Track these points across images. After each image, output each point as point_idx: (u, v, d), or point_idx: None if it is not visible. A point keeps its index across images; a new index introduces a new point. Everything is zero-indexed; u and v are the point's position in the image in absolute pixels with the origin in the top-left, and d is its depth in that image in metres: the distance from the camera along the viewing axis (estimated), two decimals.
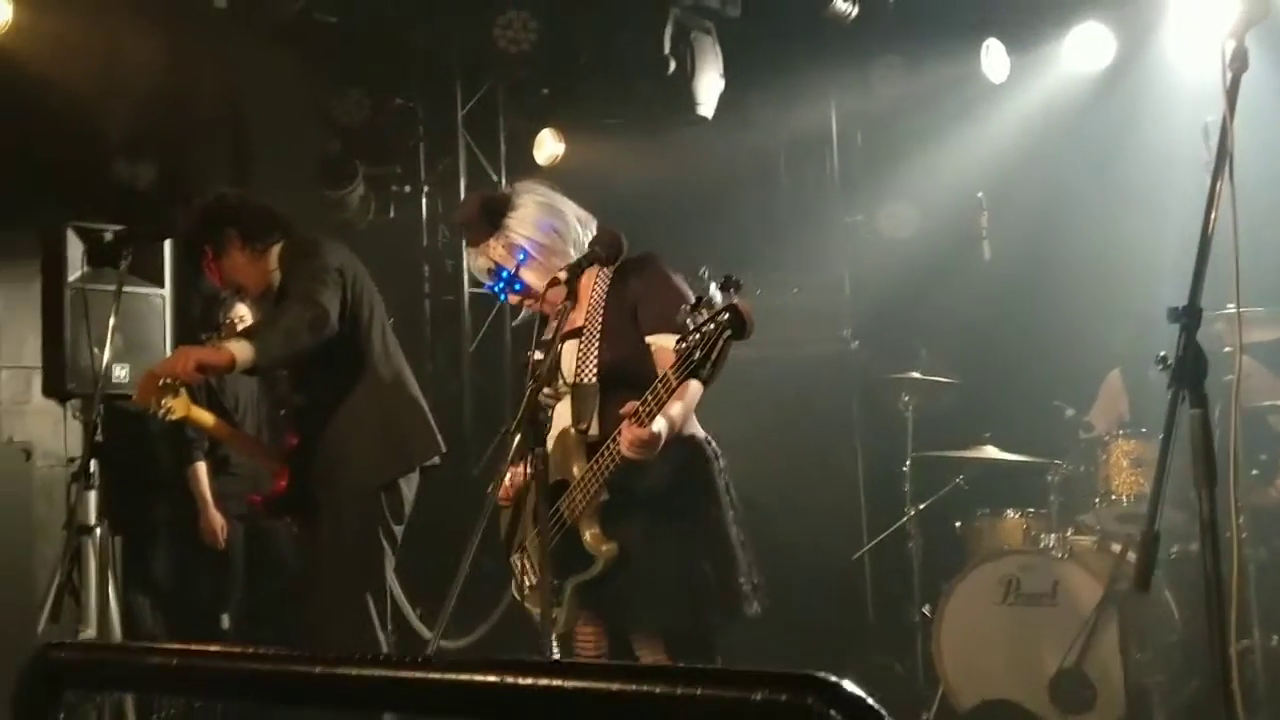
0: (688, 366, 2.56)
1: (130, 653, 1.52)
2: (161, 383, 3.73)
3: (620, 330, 3.03)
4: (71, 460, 4.86)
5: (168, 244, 5.16)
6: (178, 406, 3.81)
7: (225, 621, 5.59)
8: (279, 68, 6.55)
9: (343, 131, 6.68)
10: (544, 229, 3.16)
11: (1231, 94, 2.18)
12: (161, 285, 5.23)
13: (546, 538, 2.74)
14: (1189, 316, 1.97)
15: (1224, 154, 2.12)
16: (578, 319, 3.11)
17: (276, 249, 4.02)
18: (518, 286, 3.13)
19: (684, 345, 2.56)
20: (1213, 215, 2.04)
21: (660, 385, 2.70)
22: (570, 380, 3.06)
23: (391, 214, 7.14)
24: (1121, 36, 6.06)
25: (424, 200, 7.22)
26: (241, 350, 3.55)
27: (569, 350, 3.09)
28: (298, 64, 6.60)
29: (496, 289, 3.18)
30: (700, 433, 3.13)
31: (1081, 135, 6.11)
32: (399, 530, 3.96)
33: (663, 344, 2.92)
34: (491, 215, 3.18)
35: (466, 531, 2.80)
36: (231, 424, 4.96)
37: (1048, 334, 5.78)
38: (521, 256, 3.12)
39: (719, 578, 2.97)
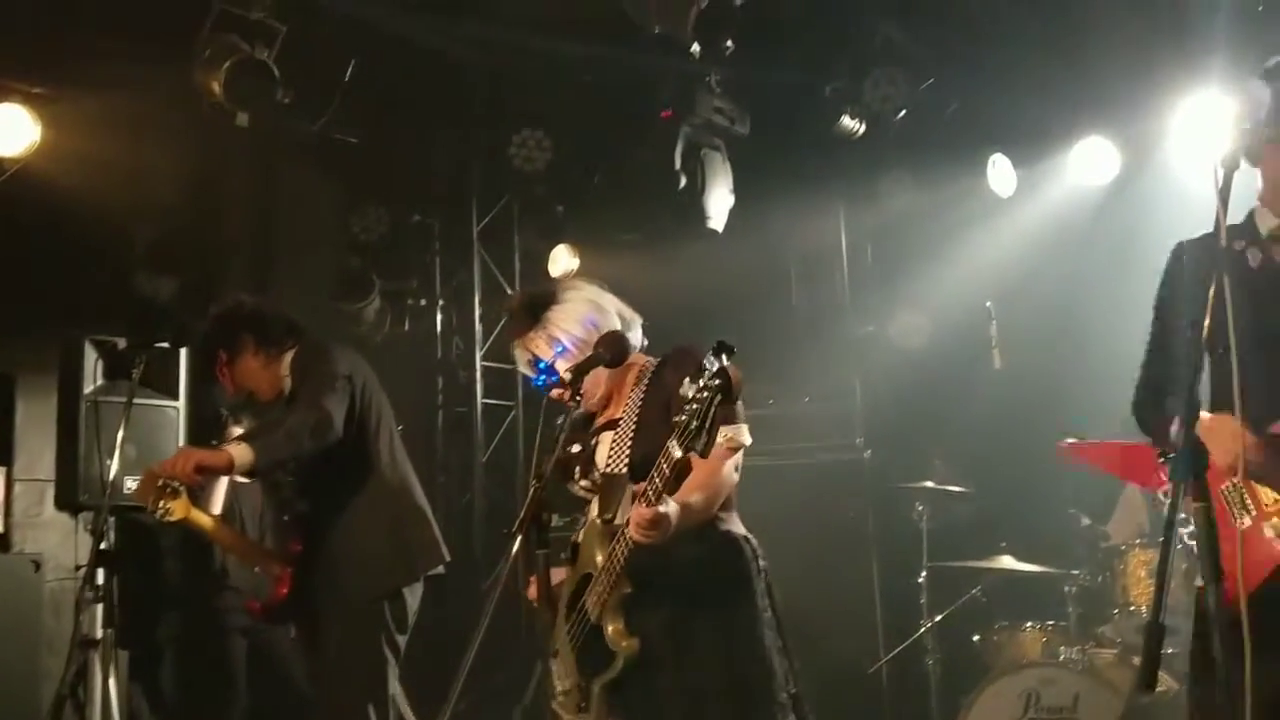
0: (686, 437, 2.54)
1: None
2: (161, 483, 3.74)
3: (654, 423, 2.96)
4: (79, 568, 4.84)
5: (183, 356, 5.24)
6: (176, 508, 3.81)
7: None
8: (299, 184, 6.73)
9: (361, 246, 6.82)
10: (585, 324, 3.17)
11: (1224, 193, 2.22)
12: (176, 397, 5.29)
13: (549, 637, 2.68)
14: (1188, 410, 1.97)
15: (1218, 251, 2.15)
16: (615, 412, 3.11)
17: (289, 356, 4.06)
18: (554, 378, 3.11)
19: (683, 418, 2.54)
20: (1206, 319, 2.06)
21: (662, 459, 2.66)
22: (601, 470, 3.04)
23: (407, 327, 7.24)
24: (1126, 151, 6.16)
25: (439, 313, 7.32)
26: (241, 453, 3.57)
27: (605, 441, 3.08)
28: (318, 180, 6.78)
29: (537, 382, 3.16)
30: (739, 529, 3.07)
31: (1089, 247, 6.16)
32: (402, 640, 3.92)
33: None
34: (535, 308, 3.20)
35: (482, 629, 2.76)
36: (233, 528, 4.94)
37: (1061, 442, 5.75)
38: (559, 349, 3.13)
39: (755, 684, 2.88)
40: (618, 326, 3.18)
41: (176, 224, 6.08)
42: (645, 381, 3.10)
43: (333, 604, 3.90)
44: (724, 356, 2.51)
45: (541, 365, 3.15)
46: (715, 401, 2.48)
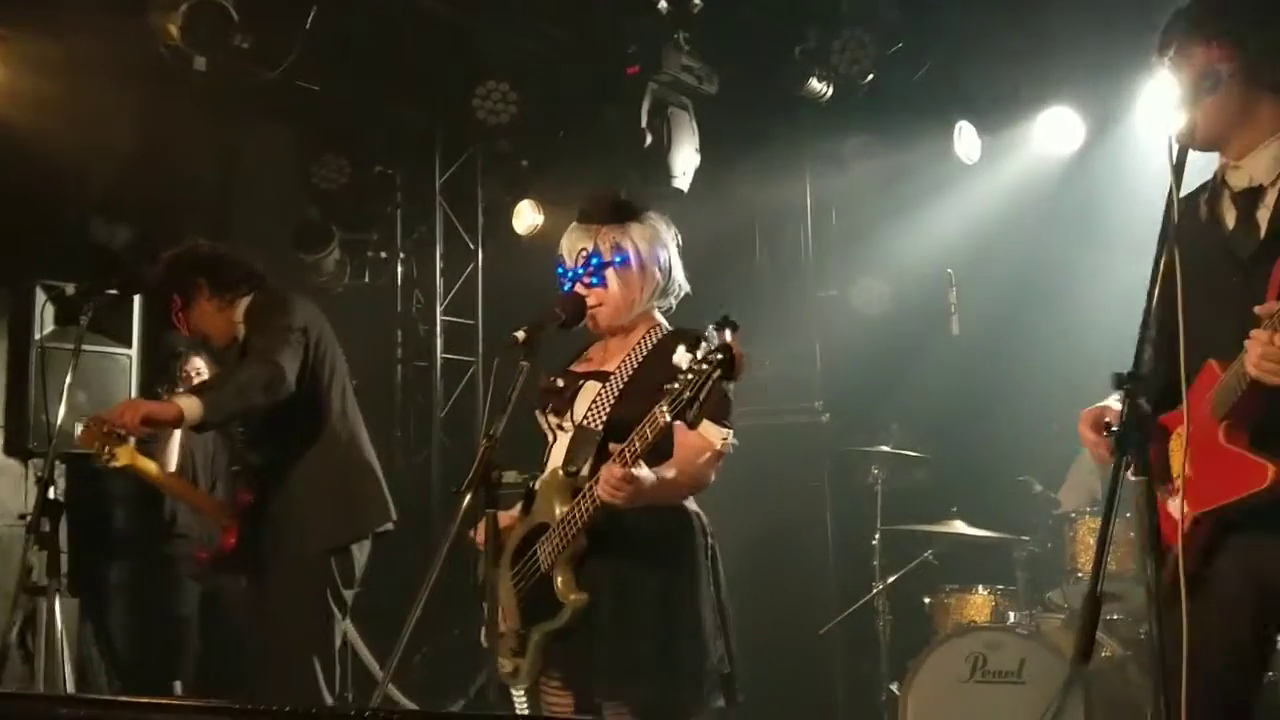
0: (677, 405, 2.52)
1: (40, 702, 1.49)
2: (106, 429, 3.71)
3: (644, 390, 2.91)
4: (22, 516, 4.79)
5: (136, 303, 5.18)
6: (121, 454, 3.79)
7: (178, 687, 5.49)
8: (260, 132, 6.62)
9: (321, 196, 6.74)
10: (655, 252, 3.08)
11: (1178, 168, 2.22)
12: (129, 345, 5.25)
13: (493, 589, 2.68)
14: (1132, 382, 1.98)
15: (1170, 226, 2.15)
16: (609, 364, 3.07)
17: (245, 302, 4.02)
18: (595, 281, 3.04)
19: (677, 384, 2.52)
20: (1156, 285, 2.06)
21: (647, 424, 2.64)
22: (576, 421, 3.00)
23: (366, 278, 7.17)
24: (1090, 120, 6.17)
25: (399, 266, 7.26)
26: (190, 406, 3.54)
27: (588, 391, 3.04)
28: (278, 129, 6.67)
29: (574, 273, 3.06)
30: (693, 506, 3.05)
31: (1052, 215, 6.18)
32: (349, 594, 3.92)
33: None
34: (621, 209, 3.10)
35: (432, 599, 2.76)
36: (181, 477, 4.91)
37: (1018, 410, 5.80)
38: (620, 258, 3.04)
39: (688, 660, 2.89)
40: (668, 282, 3.11)
41: (133, 170, 5.97)
42: (650, 346, 3.05)
43: (279, 556, 3.89)
44: (728, 331, 2.49)
45: (594, 260, 3.04)
46: (714, 375, 2.46)
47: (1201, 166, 2.60)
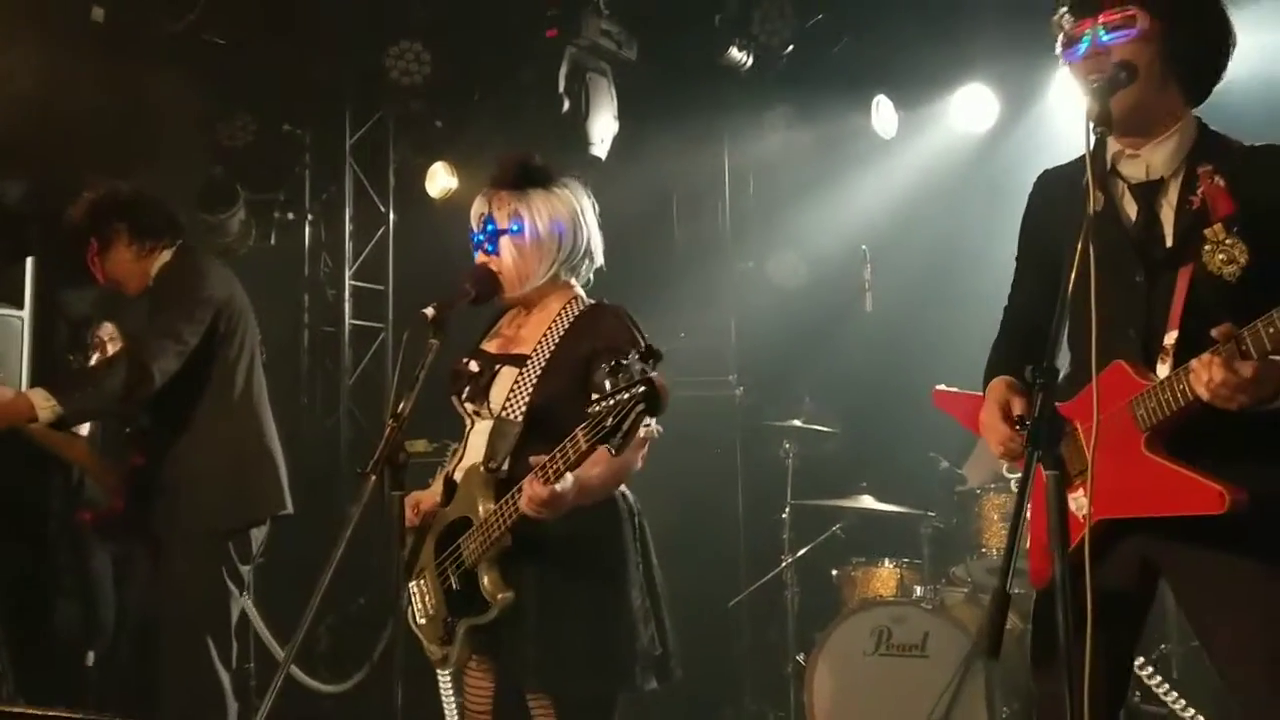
0: (598, 432, 2.46)
1: None
2: None
3: (565, 374, 2.88)
4: None
5: (29, 263, 4.97)
6: None
7: (90, 658, 5.32)
8: (160, 85, 6.35)
9: (226, 154, 6.52)
10: (554, 225, 2.97)
11: (1096, 155, 2.21)
12: (20, 306, 5.04)
13: (401, 581, 2.62)
14: (1045, 377, 1.98)
15: (1086, 216, 2.14)
16: (525, 344, 2.98)
17: (164, 255, 3.90)
18: (490, 248, 2.96)
19: (598, 409, 2.46)
20: (1071, 276, 2.05)
21: (569, 445, 2.58)
22: (495, 412, 2.92)
23: (273, 240, 6.98)
24: (1005, 99, 6.23)
25: (307, 228, 7.08)
26: (45, 406, 3.44)
27: (505, 376, 2.95)
28: (181, 83, 6.41)
29: (476, 238, 3.00)
30: (620, 488, 2.99)
31: (965, 194, 6.23)
32: (246, 570, 3.84)
33: None
34: (523, 176, 2.99)
35: (337, 572, 2.69)
36: (68, 434, 4.72)
37: (927, 387, 5.84)
38: (516, 227, 2.94)
39: (616, 646, 2.85)
40: (577, 249, 3.01)
41: (24, 121, 5.70)
42: (566, 324, 2.97)
43: (170, 530, 3.79)
44: (652, 363, 2.44)
45: (490, 227, 2.97)
46: (637, 410, 2.40)
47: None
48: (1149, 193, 2.39)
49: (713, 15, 6.10)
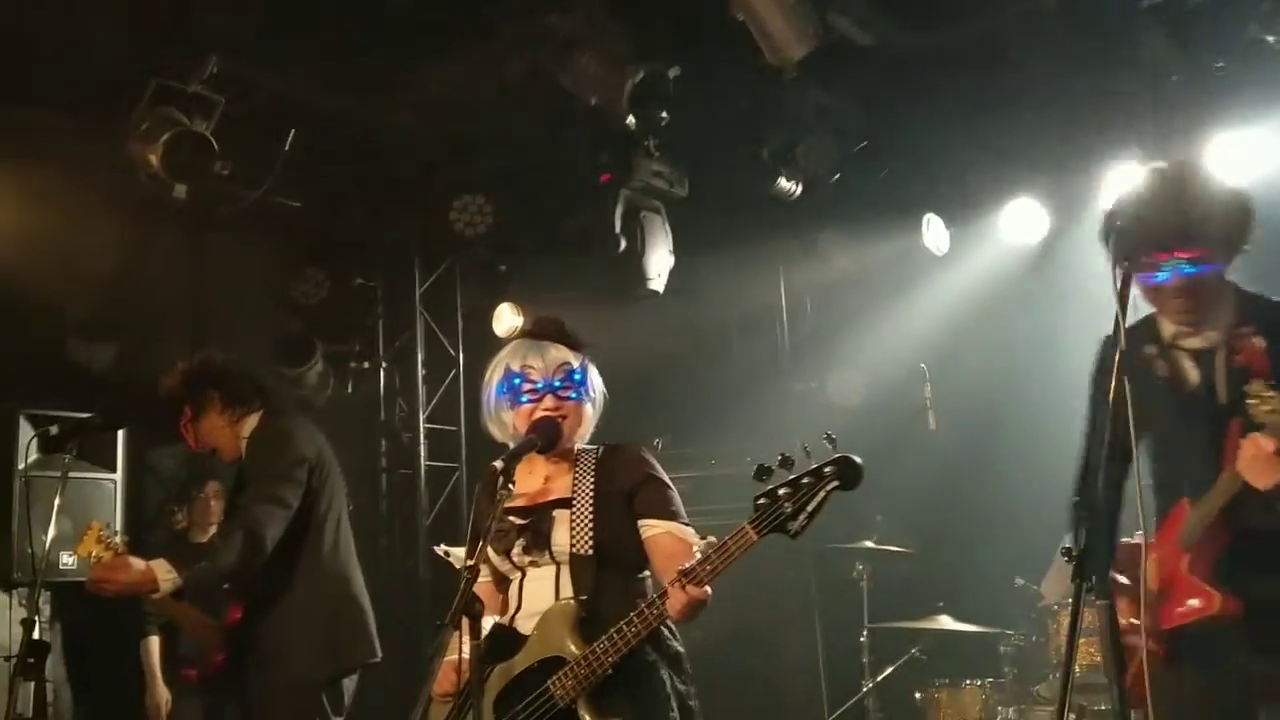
0: (774, 520, 2.58)
1: None
2: (99, 535, 3.74)
3: (614, 508, 2.99)
4: (8, 658, 4.77)
5: (120, 432, 5.21)
6: (107, 558, 3.76)
7: None
8: (238, 250, 6.70)
9: (302, 310, 6.81)
10: (598, 387, 3.17)
11: (1123, 293, 2.30)
12: (113, 470, 5.26)
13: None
14: (1089, 510, 2.03)
15: (1119, 351, 2.22)
16: (560, 490, 3.07)
17: (254, 418, 4.06)
18: (574, 396, 3.07)
19: (766, 500, 2.57)
20: (1105, 412, 2.13)
21: (731, 541, 2.67)
22: (565, 552, 2.99)
23: (350, 389, 7.21)
24: (1054, 209, 6.31)
25: (382, 375, 7.31)
26: (166, 578, 3.59)
27: (560, 519, 3.02)
28: (257, 245, 6.76)
29: (550, 384, 3.07)
30: None
31: (1022, 304, 6.29)
32: None
33: (662, 527, 2.95)
34: (576, 336, 3.17)
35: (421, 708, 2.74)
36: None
37: (998, 503, 5.84)
38: (579, 377, 3.10)
39: None
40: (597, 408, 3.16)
41: (112, 293, 6.04)
42: (592, 467, 3.08)
43: (265, 683, 3.88)
44: (832, 448, 2.59)
45: (575, 376, 3.08)
46: (830, 487, 2.54)
47: None
48: (1206, 360, 2.71)
49: (759, 149, 6.29)
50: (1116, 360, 2.19)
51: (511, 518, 3.09)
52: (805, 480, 2.56)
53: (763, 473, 2.62)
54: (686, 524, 2.99)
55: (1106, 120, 5.85)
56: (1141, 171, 2.86)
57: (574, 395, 3.09)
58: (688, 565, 2.71)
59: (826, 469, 2.55)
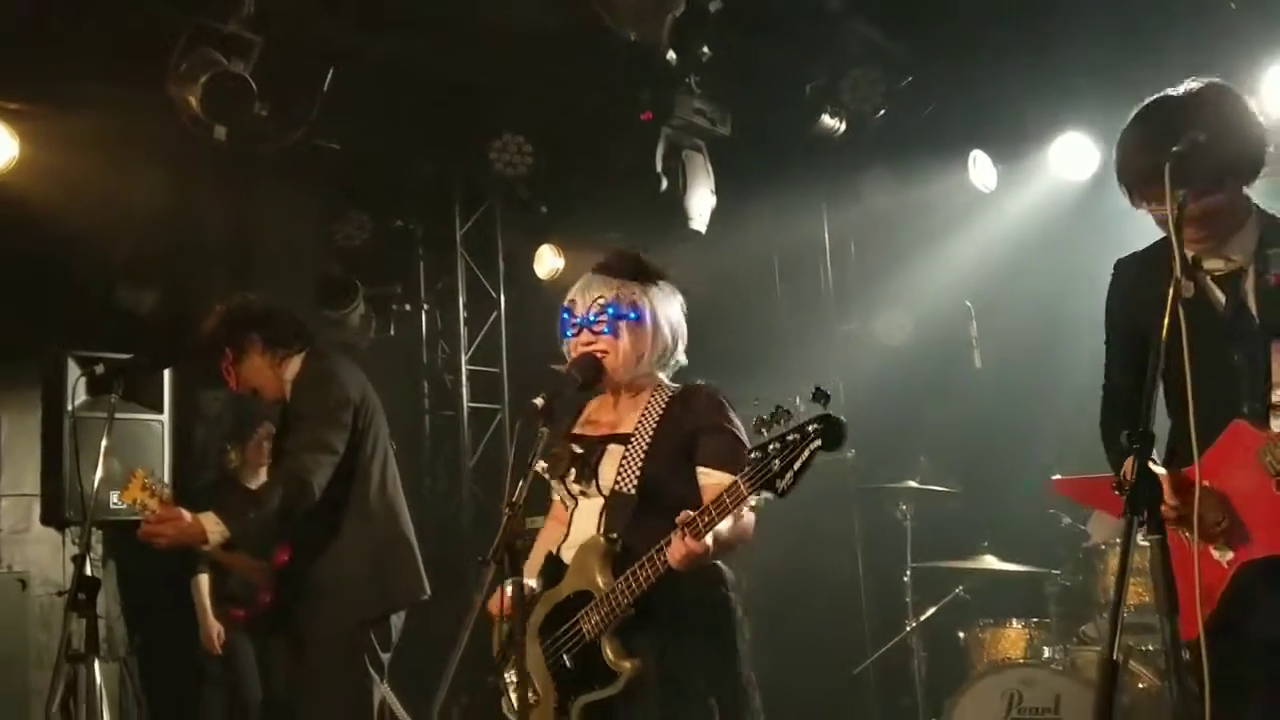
0: (763, 476, 2.51)
1: None
2: (144, 483, 3.77)
3: (669, 451, 2.96)
4: (61, 594, 4.87)
5: (167, 370, 5.26)
6: (154, 506, 3.81)
7: None
8: (280, 193, 6.72)
9: (343, 253, 6.83)
10: (668, 316, 3.08)
11: (1178, 223, 2.24)
12: (160, 411, 5.30)
13: (521, 658, 2.68)
14: (1142, 442, 1.99)
15: (1175, 279, 2.17)
16: (625, 425, 3.07)
17: (295, 361, 4.07)
18: (606, 330, 3.02)
19: (758, 454, 2.51)
20: (1163, 341, 2.08)
21: (726, 495, 2.63)
22: (609, 487, 3.00)
23: (392, 331, 7.24)
24: (1104, 145, 6.16)
25: (424, 318, 7.34)
26: (214, 530, 3.63)
27: (613, 455, 3.03)
28: (299, 189, 6.77)
29: (585, 320, 3.04)
30: (721, 561, 3.02)
31: (1069, 243, 6.17)
32: (387, 656, 3.95)
33: (717, 478, 2.87)
34: (641, 270, 3.09)
35: (470, 650, 2.78)
36: None
37: (1043, 441, 5.77)
38: (634, 315, 3.03)
39: (734, 716, 2.88)
40: (675, 345, 3.11)
41: (156, 236, 6.07)
42: (661, 406, 3.05)
43: (315, 624, 3.92)
44: (823, 403, 2.48)
45: (610, 310, 3.02)
46: (813, 446, 2.46)
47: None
48: (1233, 282, 2.59)
49: (803, 85, 6.19)
50: (1171, 294, 2.14)
51: (573, 445, 3.10)
52: (791, 438, 2.47)
53: (761, 424, 2.54)
54: None
55: (1162, 52, 5.69)
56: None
57: (607, 330, 3.04)
58: (688, 515, 2.69)
59: (810, 427, 2.45)
